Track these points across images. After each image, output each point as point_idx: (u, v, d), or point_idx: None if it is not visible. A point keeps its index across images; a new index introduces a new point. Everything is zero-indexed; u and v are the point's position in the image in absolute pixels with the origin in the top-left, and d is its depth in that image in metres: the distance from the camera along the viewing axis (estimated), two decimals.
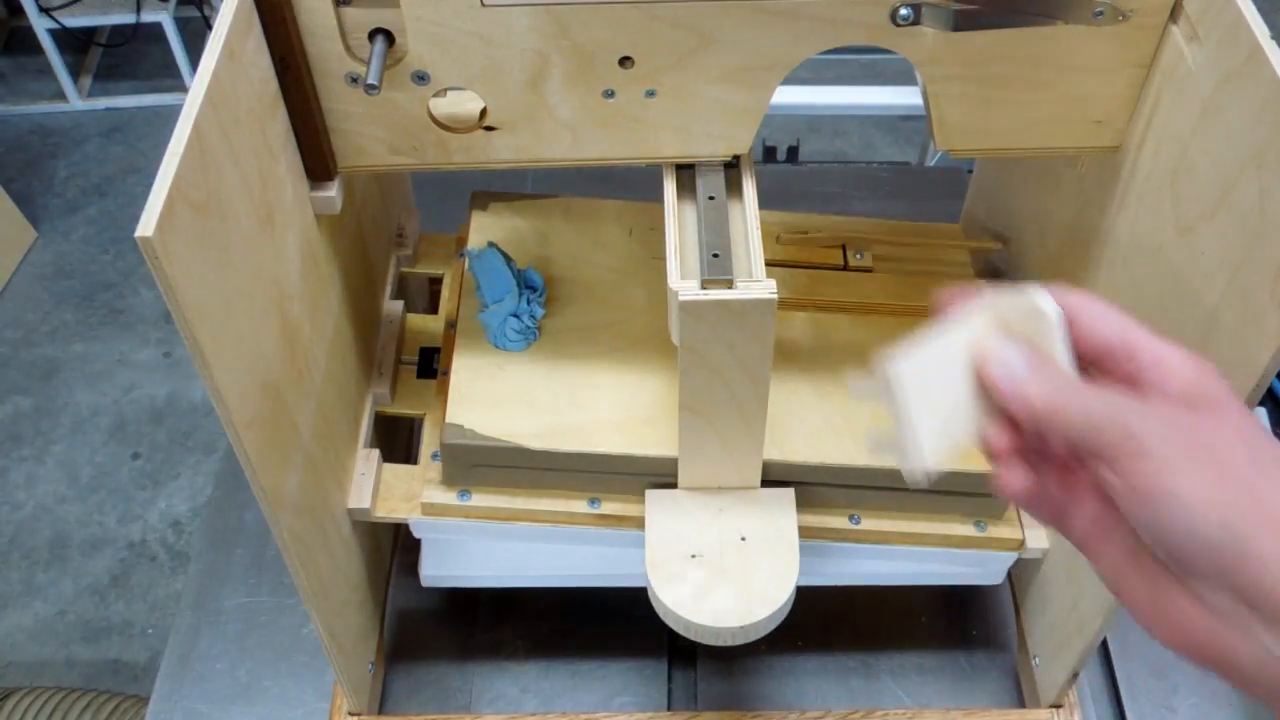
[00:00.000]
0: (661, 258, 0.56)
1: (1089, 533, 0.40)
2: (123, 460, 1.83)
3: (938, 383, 0.40)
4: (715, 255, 0.55)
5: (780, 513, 0.66)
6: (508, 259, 0.72)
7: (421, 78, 0.54)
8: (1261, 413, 0.94)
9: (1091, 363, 0.40)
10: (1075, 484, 0.40)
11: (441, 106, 0.57)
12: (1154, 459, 0.35)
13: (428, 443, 0.72)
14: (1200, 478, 0.35)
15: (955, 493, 0.68)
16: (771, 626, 0.63)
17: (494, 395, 0.68)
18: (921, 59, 0.54)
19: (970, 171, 0.89)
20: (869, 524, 0.70)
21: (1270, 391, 0.96)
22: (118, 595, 1.67)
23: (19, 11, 2.31)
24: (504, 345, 0.70)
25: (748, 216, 0.57)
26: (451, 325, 0.75)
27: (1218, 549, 0.34)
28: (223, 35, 0.47)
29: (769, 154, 1.34)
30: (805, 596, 0.66)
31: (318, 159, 0.57)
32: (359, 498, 0.69)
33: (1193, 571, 0.35)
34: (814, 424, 0.68)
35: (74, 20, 2.28)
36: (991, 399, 0.40)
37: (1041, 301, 0.39)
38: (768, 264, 0.55)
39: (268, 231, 0.53)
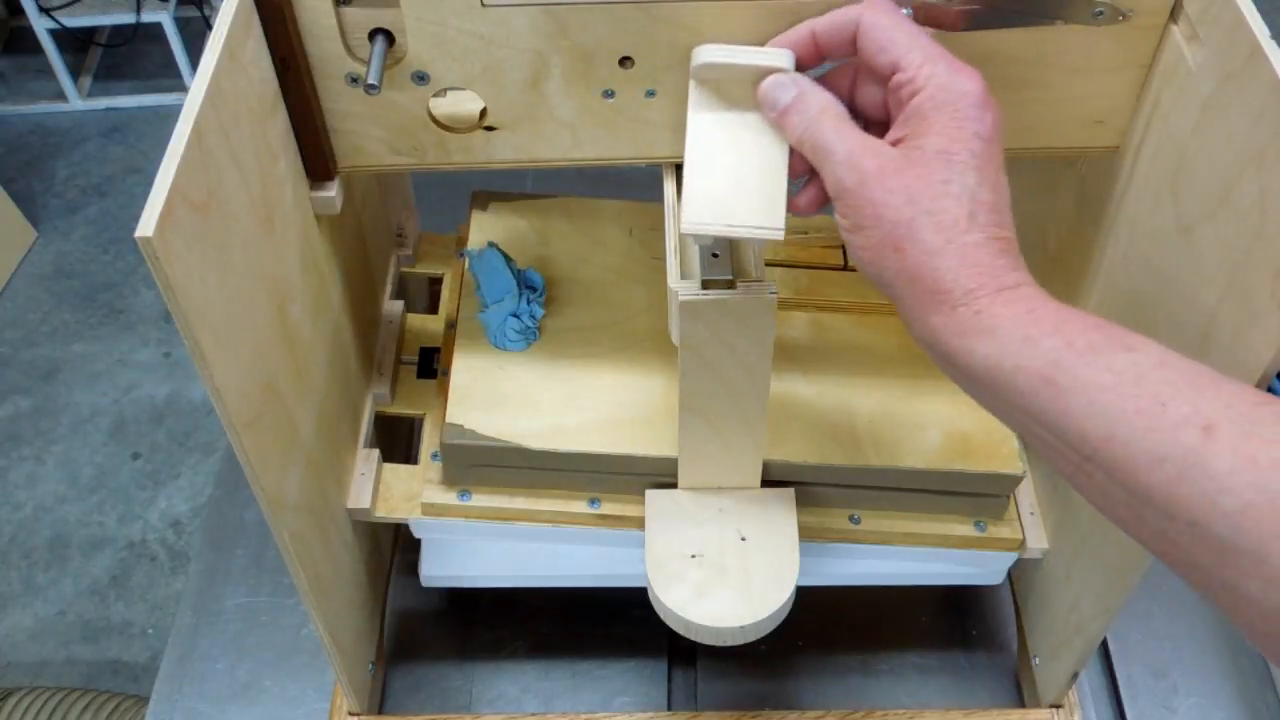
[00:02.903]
0: (661, 258, 0.56)
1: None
2: (123, 460, 1.83)
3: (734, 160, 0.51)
4: (715, 255, 0.55)
5: (780, 513, 0.66)
6: (508, 259, 0.72)
7: (421, 78, 0.54)
8: None
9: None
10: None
11: (441, 106, 0.57)
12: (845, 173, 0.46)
13: (428, 443, 0.72)
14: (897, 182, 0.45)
15: (955, 493, 0.68)
16: (771, 626, 0.63)
17: (494, 395, 0.68)
18: None
19: None
20: (869, 524, 0.70)
21: (1270, 392, 0.96)
22: (118, 595, 1.67)
23: (19, 11, 2.31)
24: (504, 345, 0.70)
25: None
26: (451, 325, 0.75)
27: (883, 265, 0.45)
28: (223, 35, 0.47)
29: None
30: (805, 596, 0.66)
31: (318, 159, 0.57)
32: (359, 498, 0.69)
33: (880, 281, 0.46)
34: (814, 424, 0.68)
35: (74, 20, 2.28)
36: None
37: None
38: (768, 264, 0.55)
39: (268, 231, 0.53)
